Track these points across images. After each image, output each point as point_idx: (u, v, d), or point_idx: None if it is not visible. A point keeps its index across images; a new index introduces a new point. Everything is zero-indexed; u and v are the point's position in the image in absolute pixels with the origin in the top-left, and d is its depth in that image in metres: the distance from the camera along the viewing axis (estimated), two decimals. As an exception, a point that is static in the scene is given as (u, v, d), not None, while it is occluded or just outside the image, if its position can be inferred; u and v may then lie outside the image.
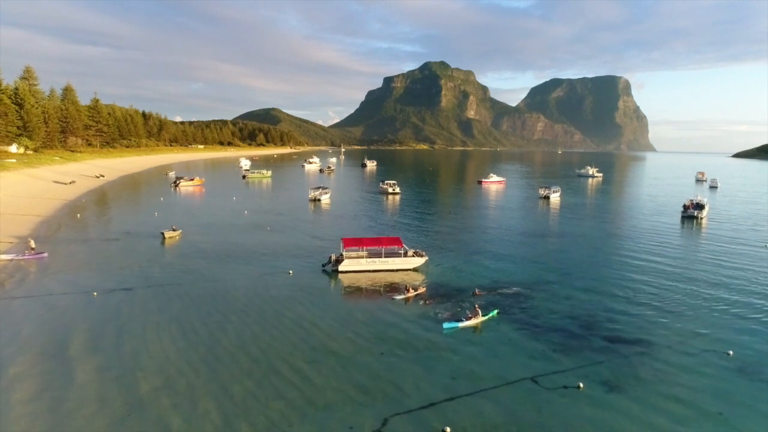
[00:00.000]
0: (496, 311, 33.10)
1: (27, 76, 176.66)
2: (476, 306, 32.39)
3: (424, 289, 37.84)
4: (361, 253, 44.23)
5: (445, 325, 30.33)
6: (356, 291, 38.64)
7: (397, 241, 45.36)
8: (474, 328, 30.64)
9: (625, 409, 21.80)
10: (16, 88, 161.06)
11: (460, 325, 30.46)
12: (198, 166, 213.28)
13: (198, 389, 22.48)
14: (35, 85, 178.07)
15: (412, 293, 36.50)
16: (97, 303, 33.67)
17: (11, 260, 43.78)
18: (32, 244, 46.68)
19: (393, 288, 38.54)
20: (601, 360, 26.80)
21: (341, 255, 43.93)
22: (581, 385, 23.81)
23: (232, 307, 33.41)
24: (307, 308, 33.79)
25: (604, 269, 46.28)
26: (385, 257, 44.13)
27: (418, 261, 44.41)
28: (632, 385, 24.10)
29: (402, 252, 44.79)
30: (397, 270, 43.61)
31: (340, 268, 42.59)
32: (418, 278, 41.61)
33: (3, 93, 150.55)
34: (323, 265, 44.27)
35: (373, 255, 44.31)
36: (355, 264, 43.00)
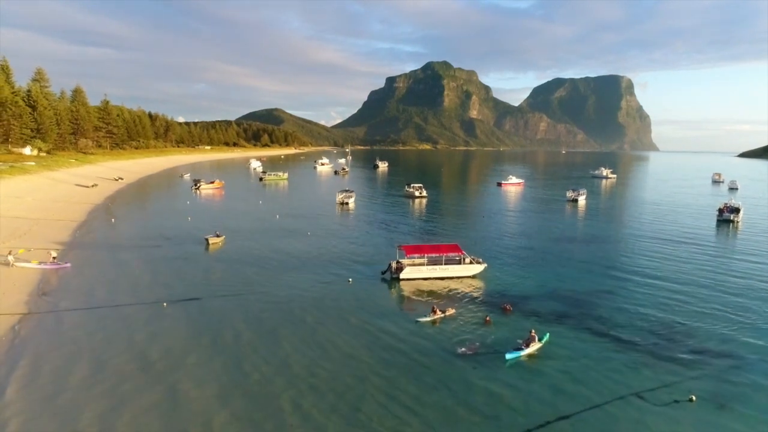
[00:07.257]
0: (548, 335, 30.03)
1: (38, 78, 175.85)
2: (532, 331, 29.00)
3: (453, 310, 34.17)
4: (421, 261, 43.45)
5: (508, 355, 27.10)
6: (418, 301, 37.57)
7: (455, 248, 44.54)
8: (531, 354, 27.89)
9: (745, 426, 21.32)
10: (29, 91, 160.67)
11: (522, 354, 27.62)
12: (208, 167, 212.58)
13: (303, 410, 21.94)
14: (47, 86, 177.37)
15: (439, 315, 33.12)
16: (170, 314, 33.04)
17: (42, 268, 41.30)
18: (53, 254, 44.13)
19: (451, 298, 37.45)
20: (696, 374, 26.15)
21: (399, 262, 43.28)
22: (693, 397, 23.28)
23: (308, 319, 32.70)
24: (381, 319, 33.09)
25: (658, 274, 45.38)
26: (445, 264, 43.39)
27: (478, 268, 43.63)
28: (741, 400, 23.55)
29: (460, 259, 44.10)
30: (458, 277, 42.88)
31: (402, 275, 41.88)
32: (473, 287, 40.82)
33: (17, 95, 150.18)
34: (382, 273, 43.54)
35: (432, 262, 43.57)
36: (416, 272, 42.30)
